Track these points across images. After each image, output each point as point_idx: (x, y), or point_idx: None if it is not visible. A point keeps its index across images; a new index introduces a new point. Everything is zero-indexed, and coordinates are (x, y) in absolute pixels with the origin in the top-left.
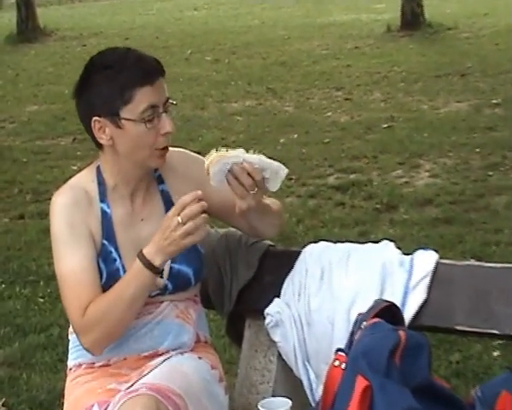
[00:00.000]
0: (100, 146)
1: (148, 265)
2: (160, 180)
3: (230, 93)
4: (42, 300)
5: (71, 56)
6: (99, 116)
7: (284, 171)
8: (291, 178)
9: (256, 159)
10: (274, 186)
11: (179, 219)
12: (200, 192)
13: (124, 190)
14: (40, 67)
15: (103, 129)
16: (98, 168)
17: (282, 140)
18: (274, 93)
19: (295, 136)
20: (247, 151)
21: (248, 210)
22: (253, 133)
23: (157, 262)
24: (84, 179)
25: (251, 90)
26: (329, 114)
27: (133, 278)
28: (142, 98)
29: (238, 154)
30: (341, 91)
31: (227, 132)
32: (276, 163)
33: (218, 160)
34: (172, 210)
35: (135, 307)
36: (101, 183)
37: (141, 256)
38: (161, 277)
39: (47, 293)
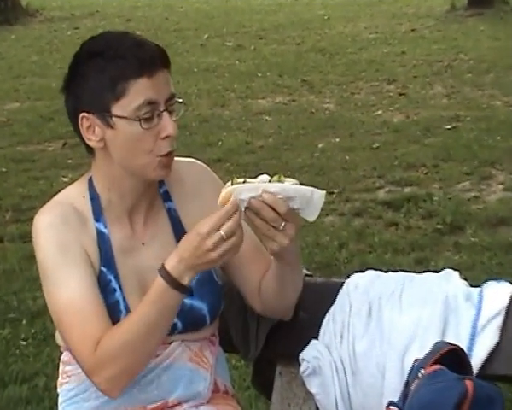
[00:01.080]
0: (91, 150)
1: (175, 284)
2: (167, 197)
3: (257, 87)
4: (24, 343)
5: (60, 42)
6: (87, 112)
7: (320, 194)
8: (332, 192)
9: (278, 187)
10: (311, 215)
11: (222, 234)
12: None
13: (119, 208)
14: (22, 55)
15: (92, 128)
16: (90, 180)
17: (320, 145)
18: (310, 87)
19: (337, 140)
20: (271, 177)
21: (283, 252)
22: (284, 136)
23: (186, 281)
24: (74, 195)
25: (282, 83)
26: (379, 112)
27: (157, 299)
28: (138, 92)
29: (256, 185)
30: (394, 85)
31: (253, 135)
32: (306, 188)
33: (232, 198)
34: (209, 223)
35: (159, 334)
36: (94, 198)
37: (164, 273)
38: (191, 295)
39: (31, 334)
